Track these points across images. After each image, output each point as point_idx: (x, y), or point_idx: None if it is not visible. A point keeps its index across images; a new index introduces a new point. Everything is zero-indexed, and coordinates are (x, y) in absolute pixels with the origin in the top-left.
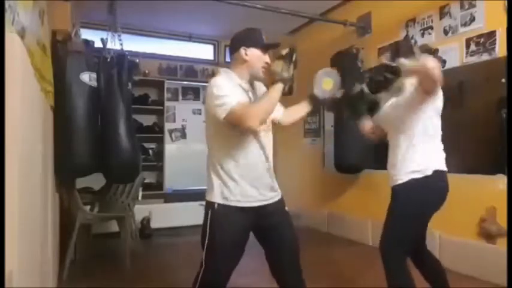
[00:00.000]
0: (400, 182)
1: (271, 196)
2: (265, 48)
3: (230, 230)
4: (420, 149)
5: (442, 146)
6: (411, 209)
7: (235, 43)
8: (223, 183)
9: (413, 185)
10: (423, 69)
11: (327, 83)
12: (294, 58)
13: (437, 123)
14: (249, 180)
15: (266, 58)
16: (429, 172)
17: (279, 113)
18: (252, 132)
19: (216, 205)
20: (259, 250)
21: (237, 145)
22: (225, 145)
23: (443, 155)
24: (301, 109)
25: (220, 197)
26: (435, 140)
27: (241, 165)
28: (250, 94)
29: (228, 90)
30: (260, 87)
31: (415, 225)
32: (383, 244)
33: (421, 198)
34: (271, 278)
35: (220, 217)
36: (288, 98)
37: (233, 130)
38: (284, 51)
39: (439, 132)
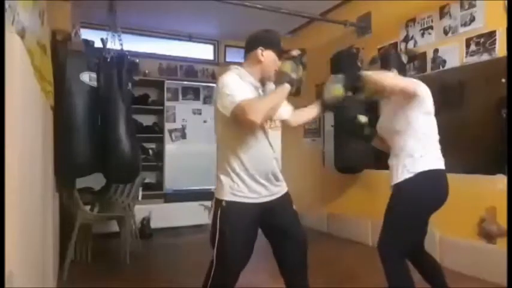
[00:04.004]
0: (395, 182)
1: (277, 191)
2: (281, 52)
3: (239, 227)
4: (414, 149)
5: (438, 146)
6: (407, 209)
7: (253, 42)
8: (231, 180)
9: (408, 184)
10: (381, 88)
11: (337, 90)
12: (303, 60)
13: (429, 123)
14: (256, 177)
15: (279, 62)
16: (422, 170)
17: (288, 113)
18: (257, 129)
19: (224, 202)
20: (264, 247)
21: (245, 143)
22: (233, 143)
23: (439, 154)
24: (311, 112)
25: (228, 194)
26: (429, 139)
27: (249, 163)
28: (261, 91)
29: (237, 87)
30: (271, 87)
31: (412, 225)
32: (381, 244)
33: (416, 197)
34: (275, 276)
35: (230, 214)
36: (293, 98)
37: (240, 128)
38: (294, 52)
39: (434, 132)
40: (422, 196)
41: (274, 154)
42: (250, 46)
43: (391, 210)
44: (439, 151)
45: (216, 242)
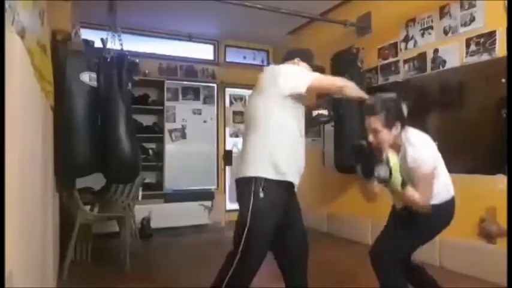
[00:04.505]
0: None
1: (298, 180)
2: (311, 67)
3: (275, 205)
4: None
5: (446, 172)
6: (413, 231)
7: (292, 54)
8: (273, 160)
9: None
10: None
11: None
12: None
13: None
14: (292, 161)
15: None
16: (445, 199)
17: None
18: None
19: (263, 180)
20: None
21: (288, 129)
22: (279, 126)
23: (448, 180)
24: None
25: (269, 172)
26: (440, 166)
27: (289, 146)
28: None
29: (301, 69)
30: None
31: (413, 244)
32: (378, 250)
33: (435, 222)
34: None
35: (269, 191)
36: None
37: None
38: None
39: (441, 165)
40: (439, 223)
41: (303, 150)
42: (289, 57)
43: (396, 228)
44: (448, 177)
45: (248, 220)
